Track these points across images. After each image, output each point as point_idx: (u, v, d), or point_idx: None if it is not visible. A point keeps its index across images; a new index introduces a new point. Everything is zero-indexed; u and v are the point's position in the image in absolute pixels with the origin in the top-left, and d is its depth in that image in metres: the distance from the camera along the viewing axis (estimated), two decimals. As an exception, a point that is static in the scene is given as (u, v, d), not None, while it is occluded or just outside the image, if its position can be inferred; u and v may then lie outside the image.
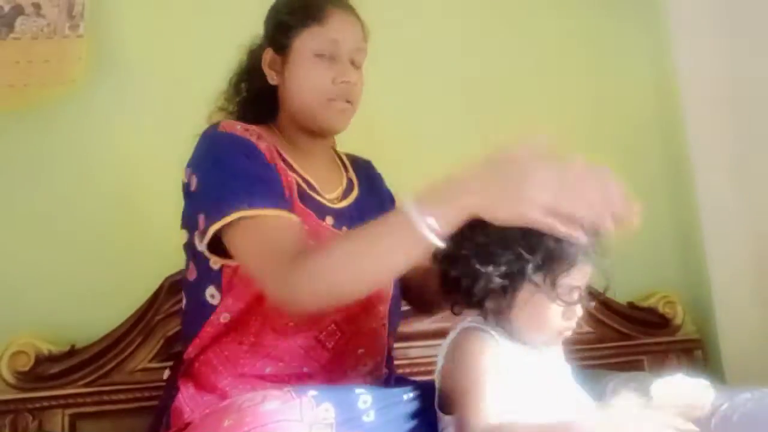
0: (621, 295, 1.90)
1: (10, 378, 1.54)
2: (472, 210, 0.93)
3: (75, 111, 1.74)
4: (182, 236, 1.19)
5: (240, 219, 1.06)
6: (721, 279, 1.81)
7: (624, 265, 1.94)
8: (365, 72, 1.28)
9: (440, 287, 1.05)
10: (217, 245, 1.11)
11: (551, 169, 0.93)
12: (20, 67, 1.74)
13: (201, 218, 1.11)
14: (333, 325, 1.15)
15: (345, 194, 1.29)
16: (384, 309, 1.22)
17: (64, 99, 1.74)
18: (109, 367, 1.57)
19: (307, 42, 1.21)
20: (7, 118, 1.71)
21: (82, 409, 1.56)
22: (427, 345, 1.62)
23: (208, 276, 1.15)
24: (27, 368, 1.54)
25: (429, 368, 1.53)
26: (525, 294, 0.98)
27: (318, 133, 1.27)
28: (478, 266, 0.96)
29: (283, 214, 1.08)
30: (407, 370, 1.57)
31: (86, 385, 1.56)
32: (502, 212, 0.92)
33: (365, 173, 1.39)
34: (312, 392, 0.95)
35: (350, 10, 1.26)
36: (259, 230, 1.06)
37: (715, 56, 1.81)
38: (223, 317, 1.14)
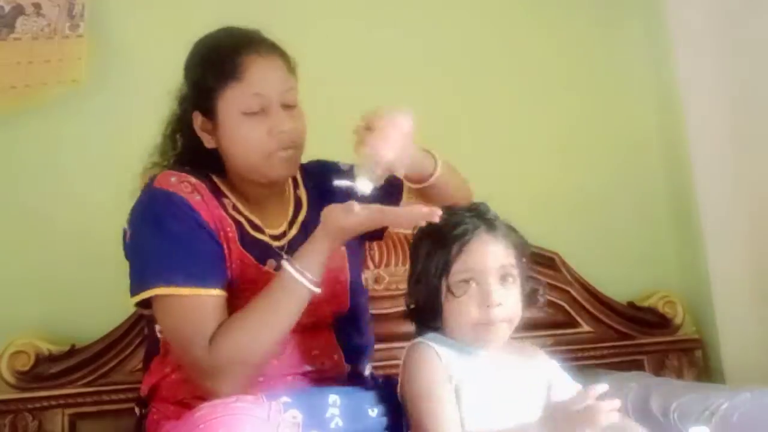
0: (621, 295, 1.90)
1: (10, 378, 1.54)
2: (327, 251, 1.09)
3: (75, 111, 1.74)
4: None
5: (158, 295, 1.09)
6: (721, 279, 1.81)
7: (624, 265, 1.97)
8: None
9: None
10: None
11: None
12: (21, 67, 1.74)
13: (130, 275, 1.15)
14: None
15: (291, 222, 1.27)
16: (328, 311, 1.22)
17: (64, 99, 1.74)
18: (109, 367, 1.58)
19: (230, 102, 1.15)
20: (8, 118, 1.71)
21: (82, 409, 1.56)
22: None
23: None
24: (27, 368, 1.55)
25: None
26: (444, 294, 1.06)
27: (267, 184, 1.22)
28: (411, 287, 1.11)
29: (200, 292, 1.09)
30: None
31: (86, 385, 1.57)
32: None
33: (316, 180, 1.33)
34: (284, 398, 0.98)
35: (266, 50, 1.18)
36: (175, 309, 1.09)
37: (716, 58, 1.81)
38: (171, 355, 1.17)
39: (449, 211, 1.07)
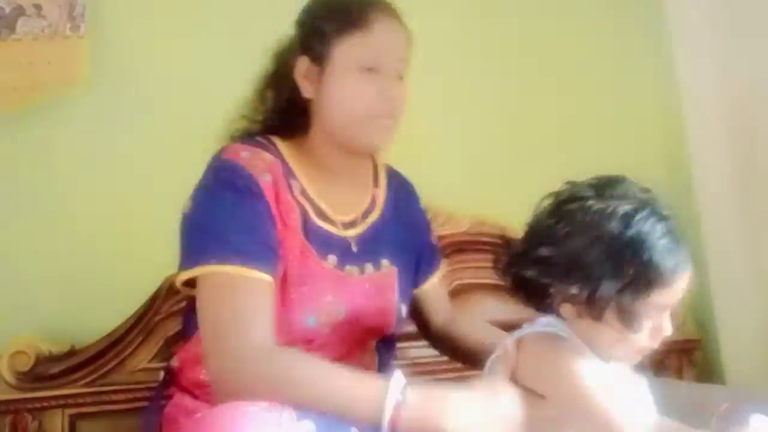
0: (621, 296, 1.90)
1: (10, 378, 1.53)
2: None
3: (76, 112, 1.74)
4: None
5: (207, 273, 1.03)
6: (721, 279, 1.81)
7: (624, 265, 1.96)
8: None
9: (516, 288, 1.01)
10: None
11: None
12: (22, 68, 1.74)
13: (180, 251, 1.10)
14: (321, 351, 1.09)
15: (365, 215, 1.22)
16: (374, 324, 1.17)
17: (65, 100, 1.74)
18: (109, 367, 1.57)
19: (349, 52, 1.10)
20: (9, 119, 1.71)
21: (82, 409, 1.56)
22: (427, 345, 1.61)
23: None
24: (27, 368, 1.54)
25: (430, 368, 1.54)
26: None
27: (356, 152, 1.18)
28: (590, 277, 0.93)
29: (253, 274, 1.01)
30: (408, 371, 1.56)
31: (86, 385, 1.56)
32: None
33: (398, 193, 1.30)
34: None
35: (395, 16, 1.15)
36: (222, 291, 1.01)
37: (716, 58, 1.81)
38: None
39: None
